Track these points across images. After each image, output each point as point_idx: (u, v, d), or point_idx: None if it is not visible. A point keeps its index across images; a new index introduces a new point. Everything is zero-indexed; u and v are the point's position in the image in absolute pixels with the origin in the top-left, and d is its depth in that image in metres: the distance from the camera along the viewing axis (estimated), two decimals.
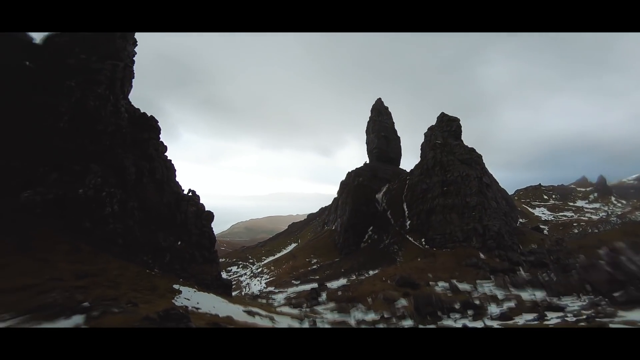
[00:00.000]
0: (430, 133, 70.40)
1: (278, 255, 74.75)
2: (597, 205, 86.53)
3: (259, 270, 64.80)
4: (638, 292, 19.40)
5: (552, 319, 20.13)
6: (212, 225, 39.14)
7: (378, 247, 56.78)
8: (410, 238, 57.00)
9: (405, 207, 65.67)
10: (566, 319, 19.27)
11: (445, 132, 67.90)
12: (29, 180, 23.91)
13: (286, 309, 34.47)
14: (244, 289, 52.19)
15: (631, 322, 15.15)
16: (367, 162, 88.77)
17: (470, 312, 26.38)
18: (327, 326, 26.33)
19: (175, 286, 21.50)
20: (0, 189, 22.06)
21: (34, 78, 26.90)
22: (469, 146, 65.01)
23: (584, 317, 18.60)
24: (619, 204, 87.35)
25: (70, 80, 27.94)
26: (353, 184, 75.19)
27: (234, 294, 45.60)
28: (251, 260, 73.19)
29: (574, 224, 70.23)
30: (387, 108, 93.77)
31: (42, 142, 25.85)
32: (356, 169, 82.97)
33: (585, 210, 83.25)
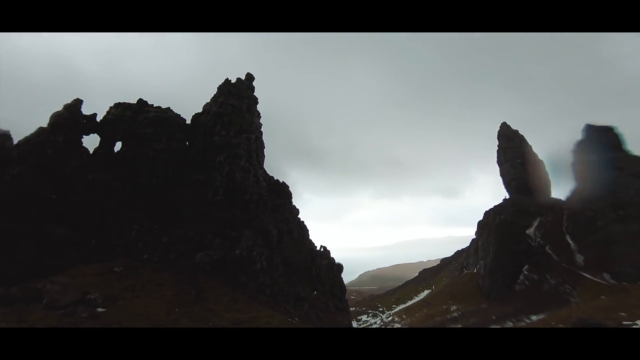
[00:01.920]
0: (581, 149, 58.75)
1: (409, 303, 69.44)
2: None
3: (390, 319, 61.00)
4: None
5: None
6: (342, 275, 40.62)
7: (541, 289, 47.03)
8: (586, 275, 45.71)
9: (569, 239, 54.22)
10: None
11: (599, 145, 55.65)
12: (200, 245, 30.04)
13: None
14: None
15: None
16: (507, 197, 78.55)
17: None
18: None
19: None
20: (182, 252, 28.19)
21: (191, 156, 34.79)
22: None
23: None
24: None
25: (219, 156, 35.05)
26: (494, 222, 66.94)
27: None
28: (381, 309, 69.85)
29: None
30: (516, 132, 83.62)
31: (205, 213, 32.48)
32: (495, 206, 74.44)
33: None
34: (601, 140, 55.64)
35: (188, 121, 37.01)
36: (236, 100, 38.30)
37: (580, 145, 58.78)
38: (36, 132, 26.85)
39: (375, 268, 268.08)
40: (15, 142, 26.19)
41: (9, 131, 26.71)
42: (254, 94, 41.78)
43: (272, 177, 42.25)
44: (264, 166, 42.58)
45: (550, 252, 54.58)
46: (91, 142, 30.27)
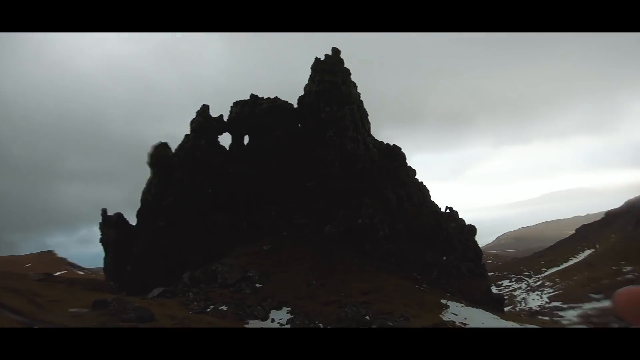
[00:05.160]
0: None
1: (565, 265, 60.79)
2: None
3: (538, 283, 54.80)
4: None
5: None
6: (476, 238, 38.17)
7: None
8: None
9: None
10: None
11: None
12: (328, 217, 32.63)
13: None
14: (518, 304, 45.66)
15: None
16: None
17: None
18: None
19: (443, 301, 22.36)
20: (314, 227, 31.20)
21: (305, 136, 37.11)
22: None
23: None
24: None
25: (328, 131, 36.48)
26: None
27: (506, 309, 40.88)
28: (527, 273, 63.14)
29: None
30: None
31: (327, 186, 34.73)
32: None
33: None
34: None
35: (295, 105, 39.34)
36: (331, 76, 38.87)
37: None
38: (185, 139, 32.76)
39: (517, 228, 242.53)
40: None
41: (166, 142, 33.23)
42: (345, 66, 41.44)
43: (382, 142, 41.81)
44: (372, 133, 42.42)
45: None
46: (224, 140, 35.48)
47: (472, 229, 37.99)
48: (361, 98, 42.35)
